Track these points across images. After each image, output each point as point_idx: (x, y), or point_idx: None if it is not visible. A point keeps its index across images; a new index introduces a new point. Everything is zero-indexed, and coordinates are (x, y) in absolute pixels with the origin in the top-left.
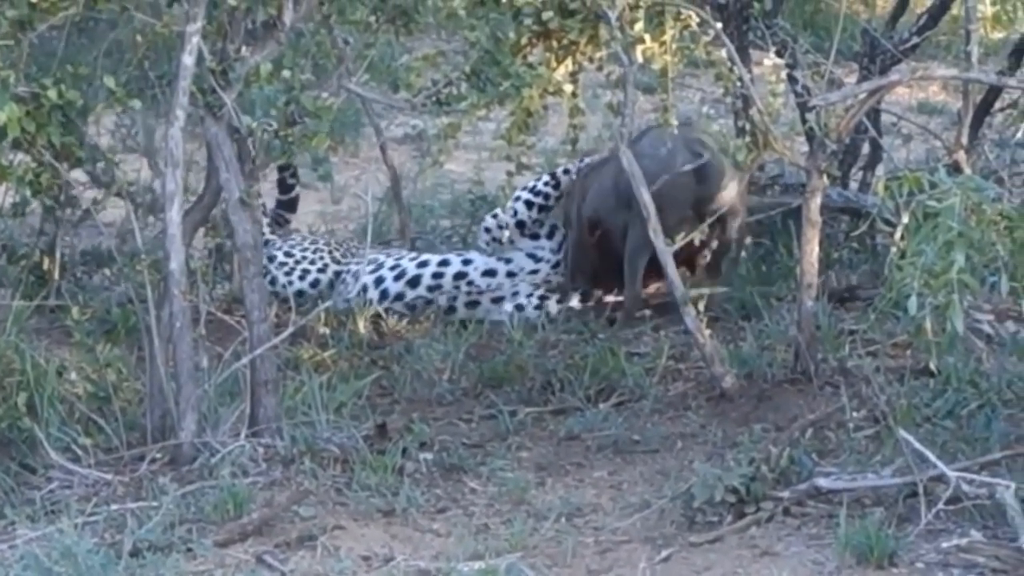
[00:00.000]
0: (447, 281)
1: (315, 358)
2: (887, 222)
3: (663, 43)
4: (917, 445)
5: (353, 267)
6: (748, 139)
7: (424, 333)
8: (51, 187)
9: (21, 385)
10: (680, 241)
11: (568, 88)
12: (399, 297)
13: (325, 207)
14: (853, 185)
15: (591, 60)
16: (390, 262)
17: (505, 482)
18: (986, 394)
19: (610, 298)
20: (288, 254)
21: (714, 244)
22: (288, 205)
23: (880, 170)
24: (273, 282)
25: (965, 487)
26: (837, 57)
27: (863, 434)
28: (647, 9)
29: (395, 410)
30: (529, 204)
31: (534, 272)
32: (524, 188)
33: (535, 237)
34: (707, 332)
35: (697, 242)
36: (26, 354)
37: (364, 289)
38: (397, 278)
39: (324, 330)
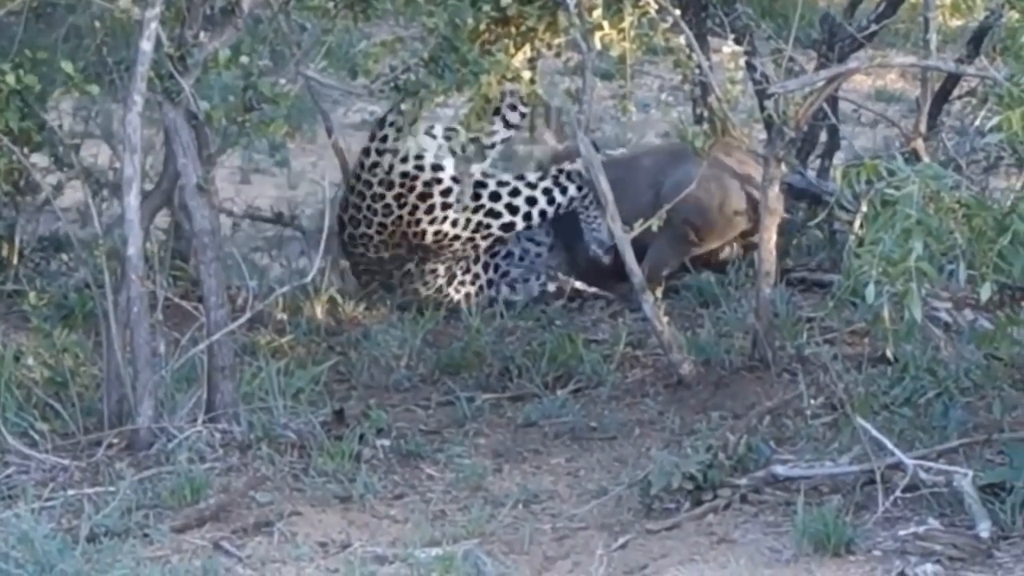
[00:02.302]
0: None
1: (272, 344)
2: (845, 209)
3: (622, 30)
4: (875, 433)
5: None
6: (706, 126)
7: (381, 319)
8: (10, 172)
9: None
10: (638, 228)
11: (526, 75)
12: None
13: (282, 192)
14: (811, 173)
15: (549, 47)
16: None
17: (462, 468)
18: (944, 382)
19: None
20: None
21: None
22: None
23: (838, 158)
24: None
25: (922, 475)
26: (796, 44)
27: (821, 422)
28: None
29: (352, 396)
30: (543, 214)
31: (538, 255)
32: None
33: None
34: (665, 319)
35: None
36: None
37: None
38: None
39: (282, 316)
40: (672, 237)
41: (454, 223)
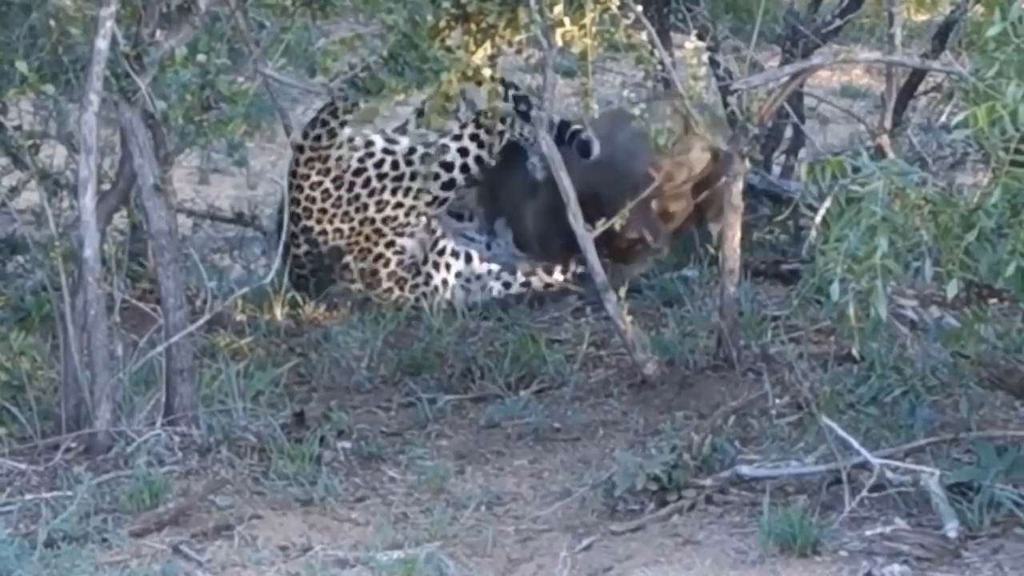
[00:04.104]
0: None
1: (232, 346)
2: (810, 207)
3: (583, 26)
4: (840, 432)
5: None
6: (669, 123)
7: (342, 320)
8: None
9: None
10: (600, 227)
11: (487, 72)
12: None
13: (241, 192)
14: (776, 169)
15: (510, 43)
16: None
17: (424, 471)
18: (910, 380)
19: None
20: None
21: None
22: None
23: (803, 154)
24: None
25: (889, 474)
26: (759, 40)
27: (786, 421)
28: None
29: (313, 398)
30: (479, 160)
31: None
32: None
33: (459, 218)
34: (628, 318)
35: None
36: None
37: None
38: None
39: (241, 317)
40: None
41: (393, 191)
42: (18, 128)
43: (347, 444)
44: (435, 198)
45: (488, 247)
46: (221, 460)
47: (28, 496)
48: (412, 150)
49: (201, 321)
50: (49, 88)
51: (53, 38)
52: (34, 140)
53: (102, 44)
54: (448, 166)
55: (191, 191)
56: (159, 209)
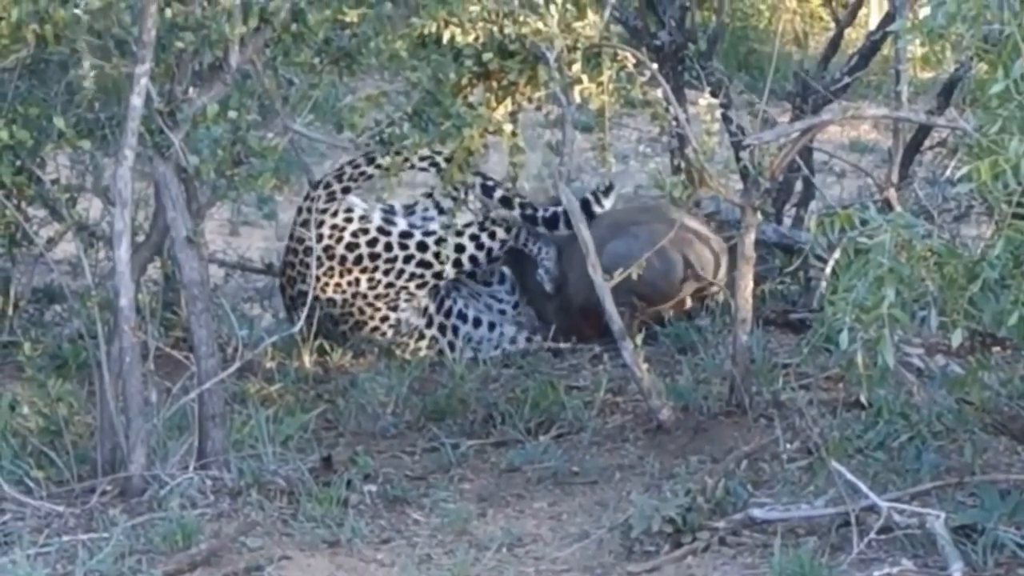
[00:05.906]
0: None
1: (262, 392)
2: (819, 258)
3: (600, 83)
4: (849, 476)
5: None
6: (684, 177)
7: (368, 367)
8: (6, 226)
9: None
10: (618, 277)
11: (508, 128)
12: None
13: (270, 244)
14: (787, 222)
15: (530, 100)
16: None
17: (447, 513)
18: (916, 426)
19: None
20: None
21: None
22: None
23: (813, 207)
24: None
25: (896, 517)
26: (770, 97)
27: (797, 465)
28: (585, 50)
29: (340, 443)
30: (474, 260)
31: (501, 313)
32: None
33: (487, 284)
34: (644, 366)
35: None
36: None
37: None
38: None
39: (271, 365)
40: (620, 305)
41: (386, 272)
42: (56, 182)
43: (373, 487)
44: (428, 285)
45: (515, 306)
46: (251, 503)
47: (65, 537)
48: (408, 234)
49: (232, 368)
50: (86, 143)
51: (89, 95)
52: (71, 193)
53: (137, 101)
54: (441, 257)
55: (222, 242)
56: (191, 260)
